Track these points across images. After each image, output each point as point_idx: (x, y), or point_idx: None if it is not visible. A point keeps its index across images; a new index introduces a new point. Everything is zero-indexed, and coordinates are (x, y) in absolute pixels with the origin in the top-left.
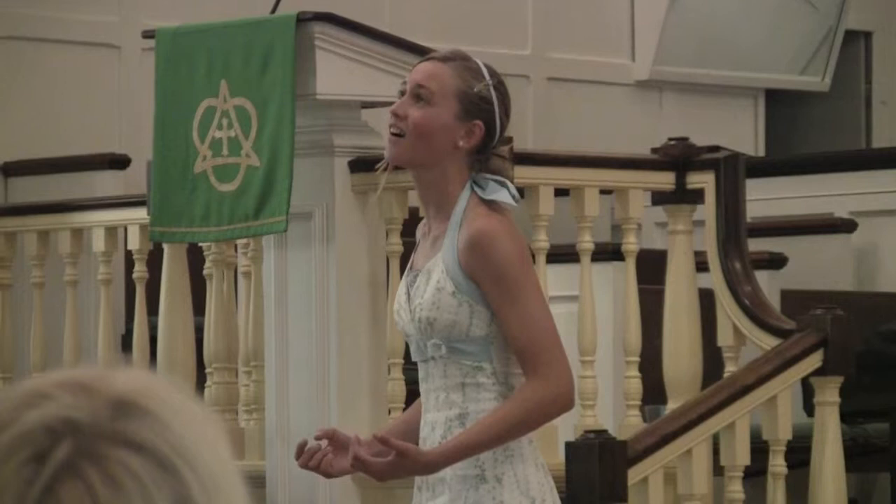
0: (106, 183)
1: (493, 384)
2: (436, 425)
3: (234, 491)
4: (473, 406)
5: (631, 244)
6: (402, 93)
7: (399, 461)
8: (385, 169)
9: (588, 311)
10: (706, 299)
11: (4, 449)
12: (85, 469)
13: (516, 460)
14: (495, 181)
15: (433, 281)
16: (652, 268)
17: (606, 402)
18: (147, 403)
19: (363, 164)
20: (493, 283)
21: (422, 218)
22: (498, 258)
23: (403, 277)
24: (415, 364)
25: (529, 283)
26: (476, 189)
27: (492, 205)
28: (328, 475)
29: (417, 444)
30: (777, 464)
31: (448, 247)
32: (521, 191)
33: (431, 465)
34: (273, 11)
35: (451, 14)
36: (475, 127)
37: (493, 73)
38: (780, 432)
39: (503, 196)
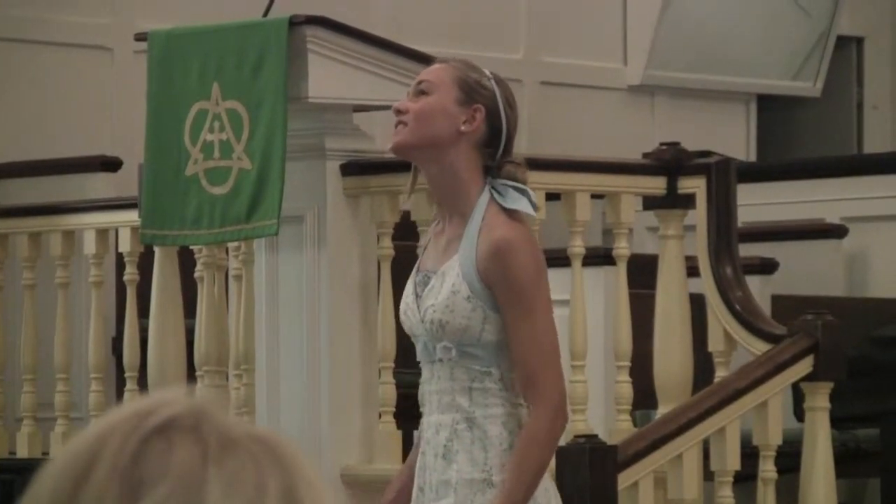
0: (97, 185)
1: (500, 389)
2: (440, 428)
3: None
4: (480, 411)
5: (622, 249)
6: None
7: None
8: (413, 182)
9: (579, 315)
10: (697, 304)
11: (122, 413)
12: (202, 427)
13: None
14: (515, 188)
15: (448, 283)
16: (643, 272)
17: (597, 407)
18: (286, 441)
19: (355, 168)
20: (507, 292)
21: (417, 227)
22: (516, 269)
23: (411, 278)
24: (406, 368)
25: (542, 299)
26: (495, 196)
27: (512, 213)
28: None
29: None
30: (767, 469)
31: (466, 251)
32: None
33: None
34: (265, 15)
35: (444, 18)
36: (476, 111)
37: (494, 73)
38: (771, 437)
39: (524, 205)
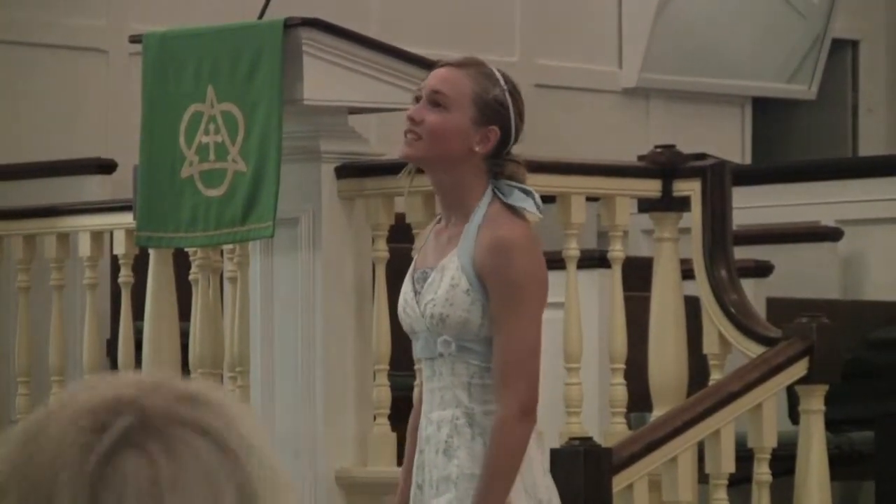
0: (92, 187)
1: None
2: (441, 424)
3: (291, 496)
4: (479, 407)
5: (617, 251)
6: (417, 98)
7: None
8: (410, 172)
9: (574, 318)
10: (692, 307)
11: (66, 419)
12: (146, 442)
13: (524, 463)
14: (520, 189)
15: (447, 277)
16: (638, 275)
17: (592, 410)
18: (216, 398)
19: (350, 170)
20: (499, 288)
21: (412, 229)
22: (514, 267)
23: (408, 276)
24: (401, 371)
25: (533, 301)
26: (499, 195)
27: (515, 211)
28: None
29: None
30: (762, 472)
31: (465, 245)
32: None
33: None
34: (260, 17)
35: (439, 20)
36: (491, 132)
37: (507, 78)
38: (766, 440)
39: (529, 205)
